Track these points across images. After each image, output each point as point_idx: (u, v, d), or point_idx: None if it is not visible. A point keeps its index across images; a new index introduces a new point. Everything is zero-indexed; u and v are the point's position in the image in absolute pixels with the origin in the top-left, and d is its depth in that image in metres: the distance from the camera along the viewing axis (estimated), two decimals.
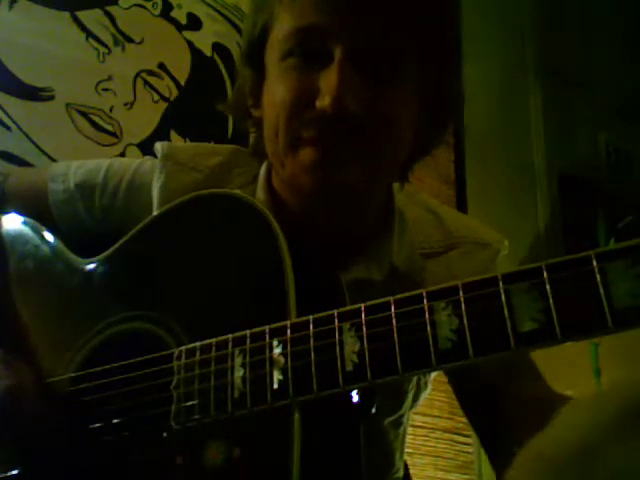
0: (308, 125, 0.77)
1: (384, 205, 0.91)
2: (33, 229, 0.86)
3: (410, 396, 0.95)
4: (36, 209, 0.92)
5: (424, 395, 0.98)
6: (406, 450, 1.00)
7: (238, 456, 0.61)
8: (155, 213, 0.80)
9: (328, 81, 0.74)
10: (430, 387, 0.98)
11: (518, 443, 0.85)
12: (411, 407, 0.97)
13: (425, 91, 0.82)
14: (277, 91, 0.79)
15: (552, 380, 0.86)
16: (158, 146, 0.93)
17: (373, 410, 0.66)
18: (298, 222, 0.82)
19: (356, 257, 0.85)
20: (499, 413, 0.86)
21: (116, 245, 0.79)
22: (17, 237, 0.86)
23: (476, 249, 0.93)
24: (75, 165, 0.97)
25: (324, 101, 0.74)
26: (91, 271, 0.79)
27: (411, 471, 1.06)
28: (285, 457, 0.58)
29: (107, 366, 0.72)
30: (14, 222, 0.87)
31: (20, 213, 0.89)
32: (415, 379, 0.94)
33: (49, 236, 0.84)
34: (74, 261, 0.82)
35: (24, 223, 0.86)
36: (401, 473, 0.97)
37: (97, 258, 0.80)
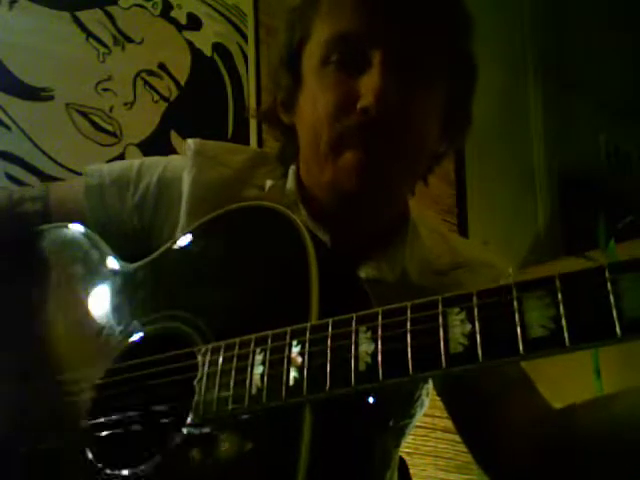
0: (350, 129, 0.80)
1: (400, 211, 0.93)
2: (85, 235, 0.91)
3: (418, 404, 0.95)
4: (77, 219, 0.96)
5: (427, 404, 0.99)
6: (406, 450, 1.00)
7: (250, 450, 0.63)
8: (199, 221, 0.83)
9: (370, 83, 0.78)
10: (429, 398, 0.99)
11: (516, 450, 0.86)
12: (416, 415, 0.97)
13: (449, 103, 0.86)
14: (318, 97, 0.83)
15: (553, 381, 0.87)
16: (190, 142, 0.96)
17: (391, 423, 0.68)
18: (323, 217, 0.86)
19: (368, 257, 0.87)
20: (495, 424, 0.88)
21: (158, 251, 0.84)
22: (69, 243, 0.92)
23: (482, 268, 0.95)
24: (108, 165, 1.01)
25: (367, 101, 0.78)
26: (134, 274, 0.84)
27: (411, 471, 1.06)
28: (293, 457, 0.59)
29: (134, 361, 0.75)
30: (68, 229, 0.93)
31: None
32: (423, 386, 0.95)
33: (99, 242, 0.90)
34: (120, 265, 0.86)
35: (77, 230, 0.92)
36: None
37: (141, 262, 0.84)
